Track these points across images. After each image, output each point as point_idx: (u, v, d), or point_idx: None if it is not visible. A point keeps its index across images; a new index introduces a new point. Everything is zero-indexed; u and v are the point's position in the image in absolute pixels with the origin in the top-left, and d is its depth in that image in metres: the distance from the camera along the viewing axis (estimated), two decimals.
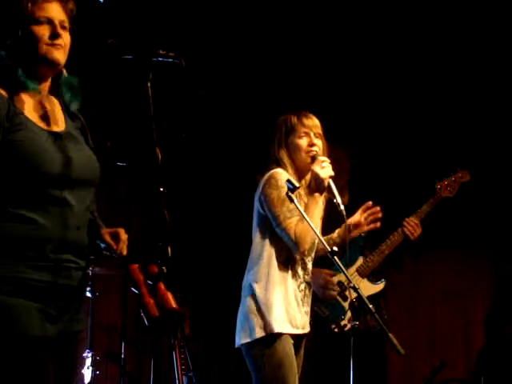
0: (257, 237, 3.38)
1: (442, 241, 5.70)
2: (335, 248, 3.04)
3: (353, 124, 5.56)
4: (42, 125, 2.32)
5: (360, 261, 4.36)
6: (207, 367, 5.66)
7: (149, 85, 2.33)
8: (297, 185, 3.15)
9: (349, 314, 4.19)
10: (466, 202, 5.34)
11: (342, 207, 3.21)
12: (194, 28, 5.24)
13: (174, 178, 5.23)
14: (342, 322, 4.20)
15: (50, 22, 2.33)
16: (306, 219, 3.14)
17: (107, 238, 2.42)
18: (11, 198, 2.22)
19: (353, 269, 4.28)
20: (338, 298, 4.23)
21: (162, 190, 2.23)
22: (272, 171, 3.34)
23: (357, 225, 3.58)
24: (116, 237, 2.42)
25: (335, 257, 3.04)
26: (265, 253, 3.33)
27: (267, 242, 3.34)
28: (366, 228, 3.60)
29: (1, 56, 2.34)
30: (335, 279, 4.23)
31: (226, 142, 5.79)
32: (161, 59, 2.38)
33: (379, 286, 4.38)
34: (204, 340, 5.59)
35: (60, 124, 2.39)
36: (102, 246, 2.46)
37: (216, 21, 5.29)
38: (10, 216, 2.21)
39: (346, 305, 4.23)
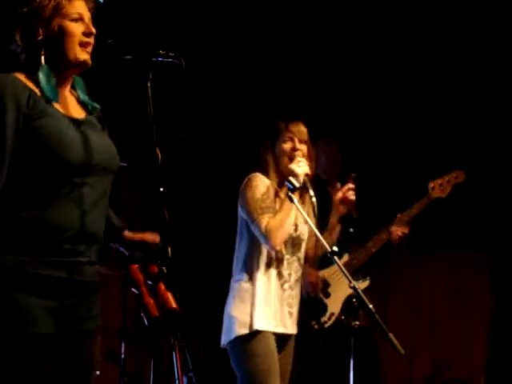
0: (240, 239, 3.50)
1: (442, 242, 5.71)
2: (335, 248, 3.08)
3: (348, 119, 5.57)
4: (64, 111, 2.32)
5: (346, 258, 4.36)
6: (207, 367, 5.66)
7: (149, 85, 2.33)
8: (297, 185, 3.22)
9: (329, 311, 4.21)
10: (465, 203, 5.34)
11: (314, 199, 3.32)
12: (194, 28, 5.24)
13: (174, 178, 5.22)
14: (323, 319, 4.20)
15: (82, 19, 2.33)
16: (306, 218, 3.19)
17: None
18: (29, 187, 2.21)
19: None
20: (321, 294, 4.23)
21: (162, 190, 2.23)
22: (250, 174, 3.48)
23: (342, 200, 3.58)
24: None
25: (335, 257, 3.07)
26: (248, 253, 3.44)
27: (250, 242, 3.44)
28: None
29: (17, 52, 2.33)
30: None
31: (226, 142, 5.79)
32: (161, 59, 2.38)
33: (363, 284, 4.38)
34: (204, 340, 5.58)
35: (80, 112, 2.39)
36: (126, 251, 2.48)
37: (216, 21, 5.29)
38: (28, 206, 2.20)
39: (327, 302, 4.23)
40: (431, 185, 4.44)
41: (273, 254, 3.40)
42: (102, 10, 2.46)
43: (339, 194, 3.53)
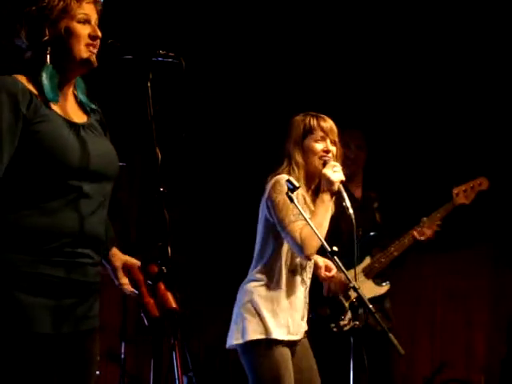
0: (264, 242, 3.36)
1: (443, 241, 5.70)
2: (335, 248, 3.04)
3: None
4: (64, 116, 2.32)
5: (367, 261, 4.32)
6: (207, 367, 5.65)
7: (149, 85, 2.33)
8: (297, 185, 3.15)
9: (349, 315, 4.17)
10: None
11: (351, 211, 3.23)
12: (194, 28, 5.23)
13: (174, 178, 5.22)
14: (342, 322, 4.17)
15: (88, 21, 2.33)
16: (305, 219, 3.13)
17: (120, 274, 2.45)
18: (29, 189, 2.22)
19: (359, 268, 4.24)
20: (341, 297, 4.21)
21: (161, 190, 2.23)
22: (277, 176, 3.33)
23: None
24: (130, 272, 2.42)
25: (335, 257, 3.05)
26: (272, 258, 3.33)
27: (276, 248, 3.33)
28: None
29: (22, 48, 2.34)
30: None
31: (226, 142, 5.79)
32: (161, 59, 2.38)
33: (383, 288, 4.35)
34: (204, 340, 5.58)
35: (82, 116, 2.39)
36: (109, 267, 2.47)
37: (216, 21, 5.29)
38: (28, 207, 2.20)
39: (347, 304, 4.21)
40: (455, 191, 4.38)
41: (297, 260, 3.32)
42: (102, 10, 2.46)
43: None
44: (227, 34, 5.35)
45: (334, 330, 4.16)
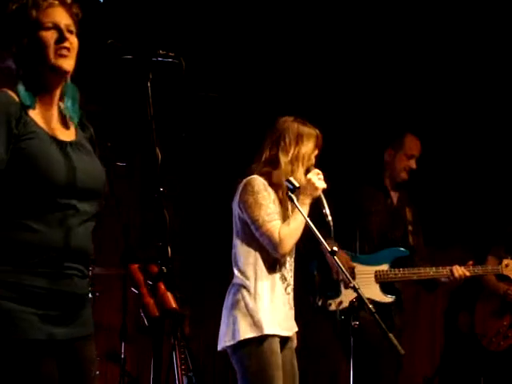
0: (241, 242, 3.44)
1: (442, 240, 5.70)
2: (335, 248, 3.07)
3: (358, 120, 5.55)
4: (51, 133, 2.31)
5: (384, 267, 4.33)
6: (207, 367, 5.66)
7: (149, 85, 2.34)
8: (297, 185, 3.20)
9: (340, 299, 4.21)
10: (465, 202, 5.34)
11: (330, 218, 3.32)
12: (194, 28, 5.24)
13: (174, 178, 5.23)
14: (329, 301, 4.21)
15: (56, 27, 2.31)
16: (305, 219, 3.18)
17: None
18: (17, 207, 2.22)
19: (372, 269, 4.28)
20: (341, 283, 4.24)
21: (161, 190, 2.23)
22: (248, 178, 3.42)
23: None
24: None
25: (335, 257, 3.07)
26: (251, 257, 3.40)
27: (253, 246, 3.40)
28: None
29: (9, 65, 2.33)
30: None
31: (226, 142, 5.79)
32: (161, 59, 2.38)
33: (386, 299, 4.38)
34: (204, 340, 5.58)
35: (69, 133, 2.38)
36: None
37: (216, 21, 5.29)
38: (16, 225, 2.21)
39: (343, 290, 4.23)
40: (505, 262, 4.32)
41: (275, 257, 3.38)
42: (102, 10, 2.46)
43: None
44: (227, 33, 5.35)
45: (319, 304, 4.19)
